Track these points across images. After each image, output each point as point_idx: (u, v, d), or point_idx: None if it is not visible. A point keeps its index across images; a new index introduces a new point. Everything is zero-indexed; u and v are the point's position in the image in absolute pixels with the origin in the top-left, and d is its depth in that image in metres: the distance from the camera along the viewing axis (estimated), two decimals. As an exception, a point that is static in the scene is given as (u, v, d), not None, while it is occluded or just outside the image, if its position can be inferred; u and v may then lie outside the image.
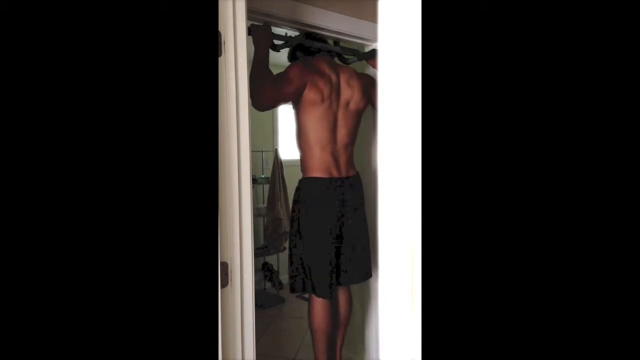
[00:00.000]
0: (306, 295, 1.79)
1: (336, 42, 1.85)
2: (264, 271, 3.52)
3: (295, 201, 1.72)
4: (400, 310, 0.70)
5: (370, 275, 1.83)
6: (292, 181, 2.90)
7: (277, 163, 3.25)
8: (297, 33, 1.70)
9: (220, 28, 0.94)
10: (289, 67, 1.67)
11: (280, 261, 3.62)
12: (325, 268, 1.65)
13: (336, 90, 1.69)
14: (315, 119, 1.66)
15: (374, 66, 1.86)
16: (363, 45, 1.91)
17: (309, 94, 1.62)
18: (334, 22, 1.69)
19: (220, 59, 0.94)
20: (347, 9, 1.73)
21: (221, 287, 0.94)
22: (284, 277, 3.55)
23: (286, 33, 1.70)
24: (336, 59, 1.95)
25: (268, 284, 3.58)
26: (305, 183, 1.69)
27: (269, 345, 2.60)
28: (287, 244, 3.33)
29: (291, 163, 3.24)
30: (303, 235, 1.67)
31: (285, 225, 3.21)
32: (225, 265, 0.97)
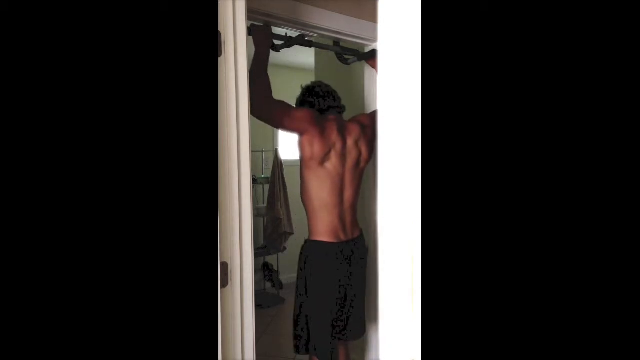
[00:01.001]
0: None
1: (336, 42, 1.85)
2: (264, 271, 3.52)
3: (301, 263, 1.69)
4: (400, 310, 0.70)
5: (364, 332, 1.85)
6: (292, 181, 2.91)
7: (277, 163, 3.25)
8: (297, 33, 1.70)
9: (220, 28, 0.94)
10: (299, 107, 1.66)
11: (280, 261, 3.62)
12: (329, 331, 1.65)
13: (341, 155, 1.66)
14: (319, 181, 1.63)
15: (374, 66, 1.86)
16: (363, 45, 1.91)
17: (305, 145, 1.59)
18: (334, 22, 1.69)
19: (220, 59, 0.94)
20: (347, 9, 1.73)
21: (221, 287, 0.94)
22: (284, 277, 3.55)
23: (286, 33, 1.70)
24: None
25: (268, 284, 3.58)
26: (312, 246, 1.67)
27: (269, 345, 2.60)
28: (287, 244, 3.35)
29: (291, 163, 3.24)
30: (309, 299, 1.65)
31: (285, 225, 3.22)
32: (225, 265, 0.97)
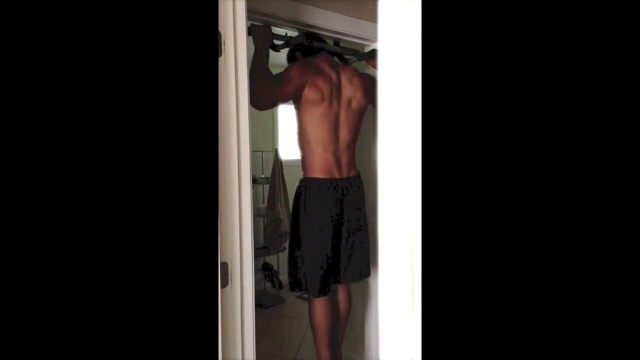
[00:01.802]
0: (306, 295, 1.81)
1: (336, 42, 1.85)
2: (264, 271, 3.52)
3: (295, 201, 1.72)
4: (400, 310, 0.70)
5: (368, 274, 1.84)
6: (292, 181, 2.90)
7: (277, 163, 3.25)
8: (297, 33, 1.70)
9: (220, 28, 0.94)
10: (288, 66, 1.67)
11: (280, 261, 3.62)
12: (322, 265, 1.67)
13: (337, 89, 1.69)
14: (317, 118, 1.65)
15: (374, 66, 1.86)
16: (363, 45, 1.91)
17: (309, 93, 1.62)
18: (334, 22, 1.69)
19: (220, 59, 0.94)
20: (347, 9, 1.73)
21: (221, 287, 0.94)
22: (284, 277, 3.55)
23: (286, 33, 1.70)
24: (336, 59, 1.95)
25: (268, 284, 3.58)
26: (306, 183, 1.70)
27: (269, 345, 2.60)
28: (287, 244, 3.35)
29: (291, 163, 3.24)
30: (302, 235, 1.68)
31: (285, 225, 3.21)
32: (225, 265, 0.97)
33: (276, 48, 1.71)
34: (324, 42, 1.80)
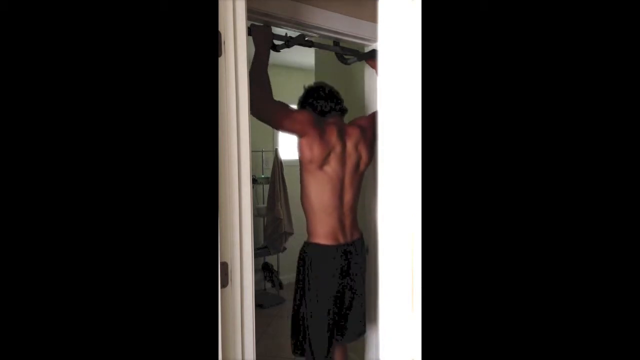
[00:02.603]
0: None
1: (336, 42, 1.85)
2: (264, 271, 3.52)
3: (300, 265, 1.69)
4: (400, 310, 0.70)
5: (364, 332, 1.85)
6: (292, 181, 2.90)
7: (277, 163, 3.25)
8: (297, 33, 1.70)
9: (220, 28, 0.94)
10: (300, 109, 1.66)
11: (280, 261, 3.62)
12: (325, 333, 1.66)
13: (341, 158, 1.65)
14: (319, 184, 1.62)
15: (374, 66, 1.86)
16: (363, 45, 1.91)
17: (304, 147, 1.58)
18: (334, 22, 1.69)
19: (220, 59, 0.94)
20: (347, 9, 1.73)
21: (221, 287, 0.94)
22: (284, 277, 3.55)
23: (286, 33, 1.70)
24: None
25: (268, 284, 3.58)
26: (311, 249, 1.67)
27: (269, 345, 2.60)
28: (287, 244, 3.35)
29: (291, 163, 3.23)
30: (307, 301, 1.66)
31: (285, 226, 3.21)
32: (225, 265, 0.97)
33: (276, 48, 1.70)
34: (321, 45, 1.79)
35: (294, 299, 1.72)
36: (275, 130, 3.75)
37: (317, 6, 1.62)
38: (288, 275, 3.39)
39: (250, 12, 1.36)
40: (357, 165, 1.71)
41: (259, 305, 3.17)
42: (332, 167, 1.63)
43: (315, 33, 1.73)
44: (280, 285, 3.47)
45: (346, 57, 1.94)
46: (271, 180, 3.26)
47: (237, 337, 1.01)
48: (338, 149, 1.64)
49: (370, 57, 1.87)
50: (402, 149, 0.69)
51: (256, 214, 3.33)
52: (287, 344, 2.61)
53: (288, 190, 3.26)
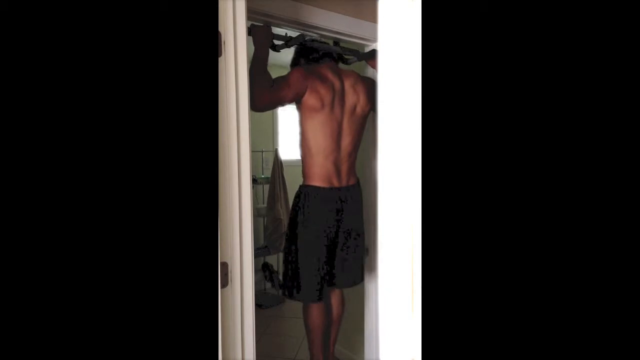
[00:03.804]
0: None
1: (336, 42, 1.85)
2: (264, 271, 3.52)
3: (294, 207, 1.72)
4: (400, 310, 0.70)
5: (361, 280, 1.87)
6: (292, 181, 2.90)
7: (277, 163, 3.25)
8: (297, 33, 1.70)
9: (220, 28, 0.94)
10: (290, 71, 1.67)
11: (280, 261, 3.62)
12: (316, 274, 1.68)
13: (340, 97, 1.68)
14: (318, 126, 1.65)
15: (374, 66, 1.86)
16: (363, 45, 1.91)
17: (309, 100, 1.61)
18: (334, 22, 1.69)
19: (220, 59, 0.94)
20: (347, 9, 1.73)
21: (221, 287, 0.94)
22: (284, 277, 3.55)
23: (286, 33, 1.70)
24: (340, 64, 1.95)
25: (268, 284, 3.58)
26: (305, 190, 1.69)
27: (269, 345, 2.60)
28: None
29: (291, 163, 3.24)
30: (299, 242, 1.68)
31: (285, 226, 3.21)
32: (225, 265, 0.97)
33: (276, 48, 1.71)
34: (326, 43, 1.80)
35: (287, 240, 1.74)
36: (276, 130, 3.78)
37: (317, 6, 1.62)
38: (288, 275, 3.38)
39: (250, 12, 1.36)
40: (355, 107, 1.72)
41: (259, 305, 3.17)
42: (330, 107, 1.64)
43: (315, 33, 1.73)
44: (280, 285, 3.48)
45: (346, 57, 1.94)
46: (271, 180, 3.26)
47: (237, 337, 1.01)
48: (336, 86, 1.67)
49: (370, 57, 1.87)
50: (402, 147, 0.69)
51: (256, 214, 3.33)
52: (287, 344, 2.62)
53: (288, 190, 3.27)
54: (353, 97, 1.71)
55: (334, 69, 1.75)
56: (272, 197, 3.23)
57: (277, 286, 3.45)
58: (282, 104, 1.62)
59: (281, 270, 3.55)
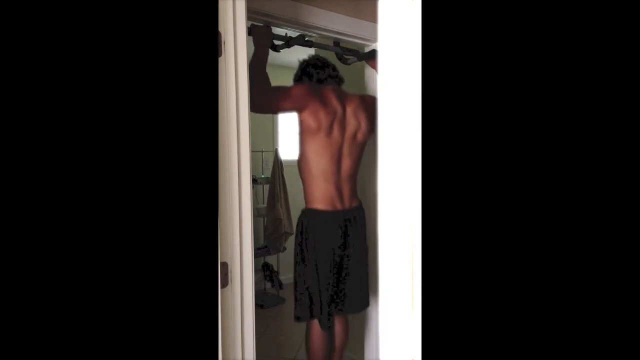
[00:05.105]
0: None
1: (336, 42, 1.85)
2: (264, 271, 3.51)
3: (298, 231, 1.71)
4: (400, 310, 0.70)
5: (367, 305, 1.84)
6: (292, 181, 2.91)
7: (277, 163, 3.25)
8: (297, 33, 1.70)
9: (220, 28, 0.94)
10: (295, 84, 1.66)
11: (280, 261, 3.62)
12: (325, 299, 1.66)
13: (341, 122, 1.67)
14: (318, 149, 1.64)
15: (374, 67, 1.86)
16: (363, 45, 1.91)
17: (308, 119, 1.60)
18: (334, 22, 1.69)
19: (220, 59, 0.94)
20: (347, 9, 1.73)
21: (221, 287, 0.94)
22: (284, 277, 3.55)
23: (286, 33, 1.70)
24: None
25: (268, 284, 3.58)
26: (309, 215, 1.68)
27: (269, 345, 2.60)
28: (287, 245, 3.36)
29: (291, 163, 3.23)
30: (307, 266, 1.67)
31: (285, 226, 3.21)
32: (225, 265, 0.97)
33: (276, 48, 1.71)
34: (321, 45, 1.80)
35: (294, 265, 1.73)
36: (276, 130, 3.78)
37: (317, 6, 1.62)
38: (288, 275, 3.39)
39: (250, 12, 1.36)
40: (356, 132, 1.71)
41: (259, 305, 3.17)
42: (331, 131, 1.64)
43: (315, 33, 1.73)
44: (280, 285, 3.47)
45: (346, 57, 1.94)
46: (271, 180, 3.26)
47: (237, 337, 1.01)
48: (338, 112, 1.66)
49: (370, 57, 1.87)
50: (402, 147, 0.69)
51: (256, 214, 3.33)
52: (287, 344, 2.62)
53: (288, 190, 3.27)
54: (354, 123, 1.70)
55: (338, 92, 1.73)
56: (272, 197, 3.23)
57: (277, 286, 3.46)
58: (278, 112, 1.63)
59: (281, 271, 3.55)
